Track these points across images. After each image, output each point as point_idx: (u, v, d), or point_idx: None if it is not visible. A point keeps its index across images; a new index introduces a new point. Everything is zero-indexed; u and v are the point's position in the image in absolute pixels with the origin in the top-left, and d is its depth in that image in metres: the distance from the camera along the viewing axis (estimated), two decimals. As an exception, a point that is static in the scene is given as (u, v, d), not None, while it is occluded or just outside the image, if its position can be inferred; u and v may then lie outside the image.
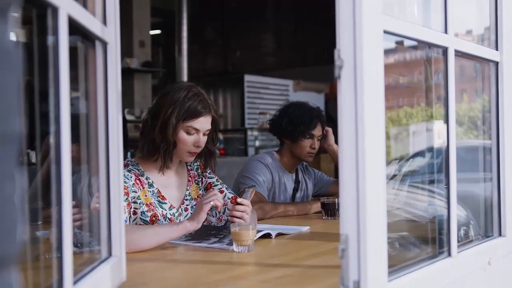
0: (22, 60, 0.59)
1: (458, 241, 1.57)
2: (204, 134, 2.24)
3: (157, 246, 1.94)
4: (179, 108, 2.16)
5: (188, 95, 2.18)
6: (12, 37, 0.58)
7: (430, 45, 1.58)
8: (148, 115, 2.25)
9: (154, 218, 2.17)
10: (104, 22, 1.35)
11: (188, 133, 2.20)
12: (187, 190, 2.36)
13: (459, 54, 1.59)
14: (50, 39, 1.01)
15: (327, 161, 6.68)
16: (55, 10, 0.99)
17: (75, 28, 1.10)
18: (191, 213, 2.30)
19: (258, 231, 2.04)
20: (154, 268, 1.74)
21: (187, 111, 2.17)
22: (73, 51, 1.07)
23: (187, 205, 2.33)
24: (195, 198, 2.36)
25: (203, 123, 2.22)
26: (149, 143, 2.21)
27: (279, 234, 2.19)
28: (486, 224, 1.87)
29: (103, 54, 1.35)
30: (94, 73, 1.35)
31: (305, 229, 2.36)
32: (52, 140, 1.00)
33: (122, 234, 1.41)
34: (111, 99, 1.37)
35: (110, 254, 1.38)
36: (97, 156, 1.36)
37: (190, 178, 2.39)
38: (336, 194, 2.98)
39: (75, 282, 1.08)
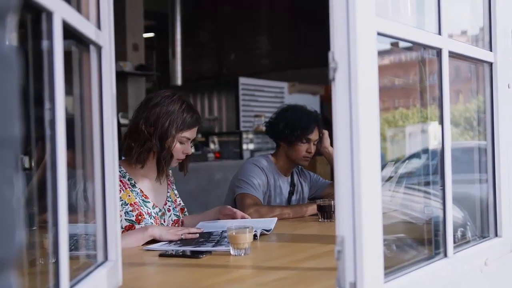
0: (20, 64, 0.59)
1: (455, 242, 1.57)
2: (191, 142, 2.37)
3: (154, 252, 1.94)
4: (177, 120, 2.27)
5: (183, 107, 2.29)
6: (10, 41, 0.58)
7: (424, 47, 1.58)
8: (140, 122, 2.27)
9: (140, 217, 2.25)
10: (98, 26, 1.35)
11: (181, 142, 2.31)
12: (168, 192, 2.46)
13: (453, 55, 1.59)
14: (44, 43, 1.00)
15: (323, 163, 6.68)
16: (49, 14, 0.99)
17: (69, 32, 1.10)
18: (173, 214, 2.43)
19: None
20: (150, 272, 1.73)
21: (183, 123, 2.28)
22: (66, 55, 1.07)
23: (169, 206, 2.43)
24: (174, 201, 2.48)
25: (195, 133, 2.36)
26: (145, 152, 2.27)
27: (263, 234, 2.22)
28: (482, 224, 1.88)
29: (97, 58, 1.35)
30: (89, 77, 1.34)
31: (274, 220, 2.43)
32: (47, 145, 1.00)
33: (118, 239, 1.40)
34: (106, 103, 1.37)
35: (106, 258, 1.37)
36: (92, 161, 1.36)
37: (169, 182, 2.50)
38: (331, 197, 2.98)
39: (71, 287, 1.08)
